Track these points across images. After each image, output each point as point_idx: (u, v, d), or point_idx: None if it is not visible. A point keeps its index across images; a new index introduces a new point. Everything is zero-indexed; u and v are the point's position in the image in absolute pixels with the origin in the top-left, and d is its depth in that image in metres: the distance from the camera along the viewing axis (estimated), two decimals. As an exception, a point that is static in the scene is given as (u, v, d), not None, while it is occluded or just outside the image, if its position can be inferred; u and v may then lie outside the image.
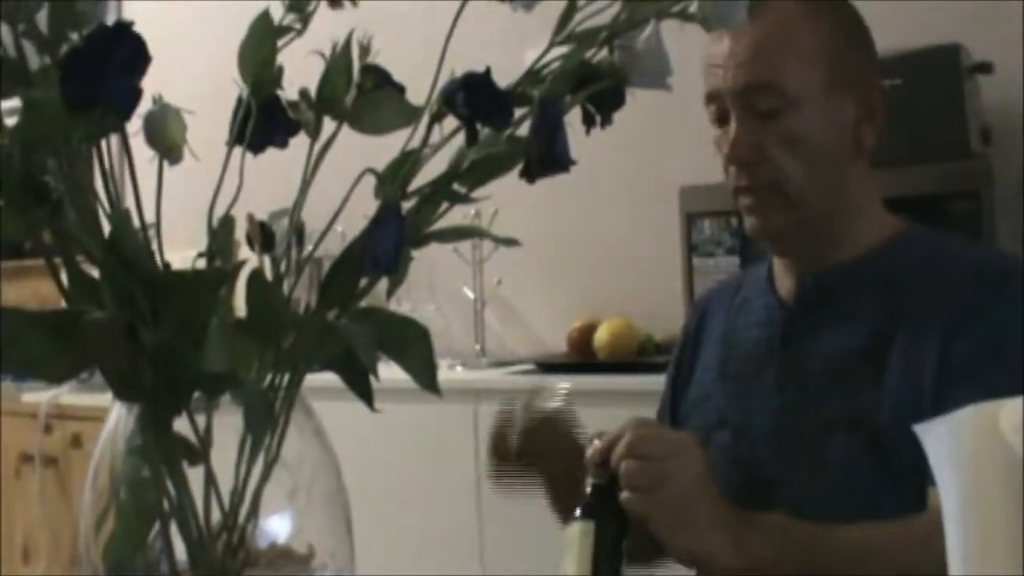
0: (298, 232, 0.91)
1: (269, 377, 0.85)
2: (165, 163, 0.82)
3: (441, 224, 0.90)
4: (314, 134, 0.90)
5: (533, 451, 1.47)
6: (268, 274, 0.88)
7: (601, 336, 2.98)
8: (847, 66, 1.41)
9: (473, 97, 0.84)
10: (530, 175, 0.87)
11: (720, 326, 1.59)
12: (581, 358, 3.02)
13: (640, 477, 1.21)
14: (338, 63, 0.89)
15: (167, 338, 0.78)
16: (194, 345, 0.79)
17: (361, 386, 0.88)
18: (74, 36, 0.78)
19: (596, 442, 1.25)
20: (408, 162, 0.87)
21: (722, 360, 1.55)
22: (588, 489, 1.24)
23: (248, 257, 0.87)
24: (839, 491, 1.34)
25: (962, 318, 1.32)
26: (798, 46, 1.39)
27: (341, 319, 0.86)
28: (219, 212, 0.87)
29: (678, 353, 1.67)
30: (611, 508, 1.22)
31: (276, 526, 0.88)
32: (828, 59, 1.40)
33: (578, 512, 1.23)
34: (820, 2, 1.43)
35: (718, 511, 1.23)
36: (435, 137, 0.88)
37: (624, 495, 1.20)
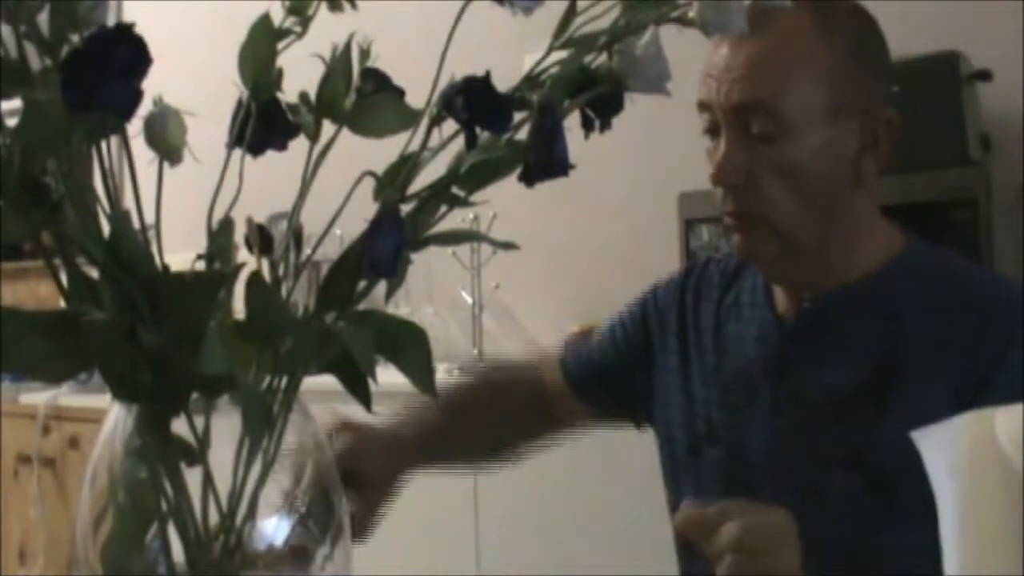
0: (297, 235, 0.91)
1: (267, 379, 0.85)
2: (165, 165, 0.82)
3: (439, 228, 0.90)
4: (313, 137, 0.90)
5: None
6: (267, 277, 0.88)
7: (599, 341, 2.97)
8: (855, 91, 1.31)
9: (472, 101, 0.84)
10: (529, 179, 0.87)
11: (710, 321, 1.52)
12: (579, 363, 3.02)
13: (747, 540, 1.10)
14: (338, 66, 0.89)
15: (166, 340, 0.79)
16: (193, 347, 0.79)
17: (359, 389, 0.88)
18: (75, 38, 0.78)
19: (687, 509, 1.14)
20: (407, 165, 0.87)
21: (714, 367, 1.49)
22: None
23: (247, 260, 0.87)
24: (837, 525, 1.28)
25: (979, 365, 1.25)
26: (801, 66, 1.29)
27: (339, 322, 0.86)
28: (218, 214, 0.87)
29: (653, 320, 1.60)
30: None
31: (273, 528, 0.88)
32: (834, 82, 1.30)
33: None
34: (835, 15, 1.33)
35: None
36: (434, 141, 0.88)
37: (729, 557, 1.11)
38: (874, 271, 1.37)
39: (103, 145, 0.81)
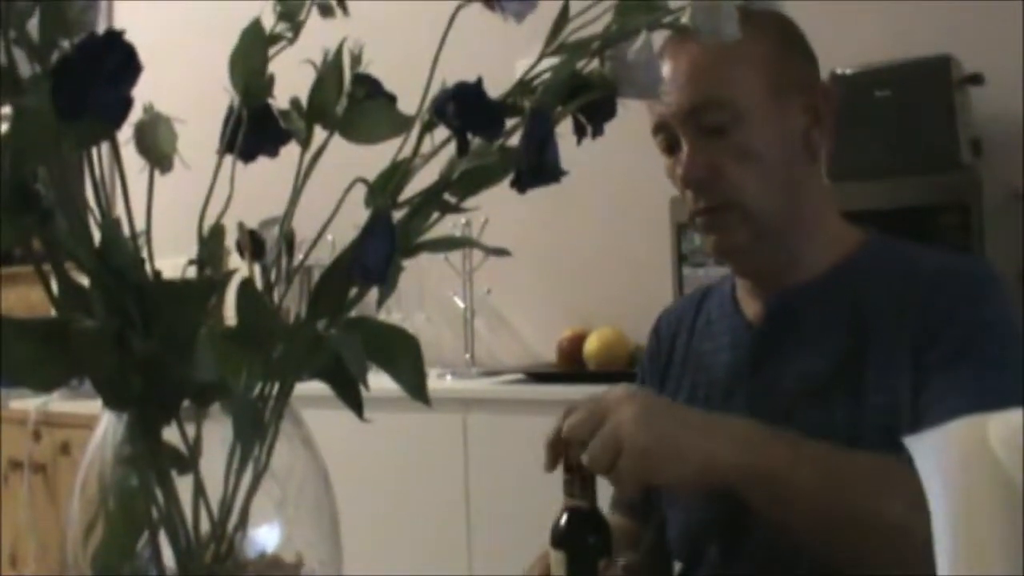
0: (288, 241, 0.91)
1: (259, 386, 0.85)
2: (156, 171, 0.82)
3: (431, 234, 0.90)
4: (305, 143, 0.90)
5: None
6: (258, 283, 0.87)
7: (591, 345, 2.98)
8: (788, 70, 1.41)
9: (464, 107, 0.84)
10: (521, 185, 0.87)
11: (683, 349, 1.58)
12: (571, 367, 3.03)
13: (581, 428, 1.18)
14: (329, 72, 0.89)
15: (157, 347, 0.78)
16: (184, 354, 0.79)
17: (351, 395, 0.88)
18: (65, 44, 0.78)
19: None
20: (399, 172, 0.87)
21: (692, 386, 1.53)
22: (563, 515, 1.21)
23: (238, 266, 0.87)
24: None
25: (931, 324, 1.31)
26: (736, 58, 1.37)
27: (331, 329, 0.86)
28: (209, 220, 0.87)
29: (656, 377, 1.63)
30: (586, 532, 1.20)
31: (265, 536, 0.88)
32: (769, 65, 1.39)
33: (553, 538, 1.20)
34: (753, 16, 1.37)
35: (685, 430, 1.20)
36: (426, 147, 0.88)
37: (583, 457, 1.18)
38: (837, 264, 1.43)
39: (93, 152, 0.80)
